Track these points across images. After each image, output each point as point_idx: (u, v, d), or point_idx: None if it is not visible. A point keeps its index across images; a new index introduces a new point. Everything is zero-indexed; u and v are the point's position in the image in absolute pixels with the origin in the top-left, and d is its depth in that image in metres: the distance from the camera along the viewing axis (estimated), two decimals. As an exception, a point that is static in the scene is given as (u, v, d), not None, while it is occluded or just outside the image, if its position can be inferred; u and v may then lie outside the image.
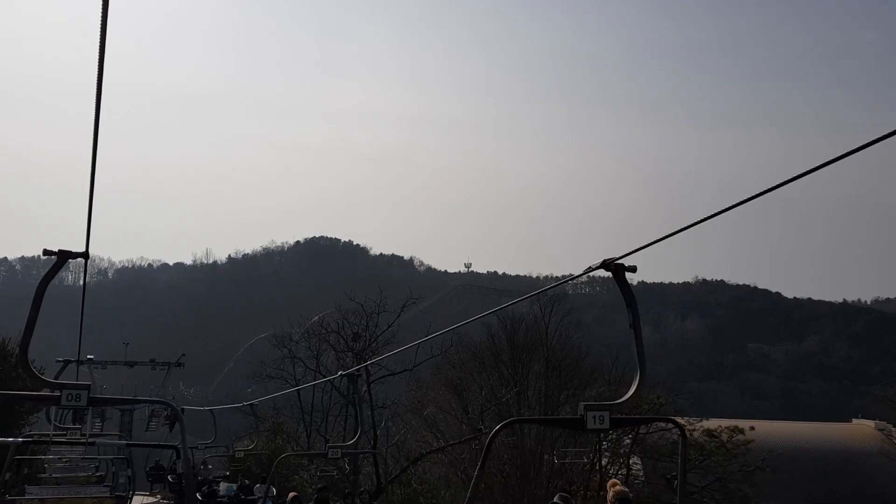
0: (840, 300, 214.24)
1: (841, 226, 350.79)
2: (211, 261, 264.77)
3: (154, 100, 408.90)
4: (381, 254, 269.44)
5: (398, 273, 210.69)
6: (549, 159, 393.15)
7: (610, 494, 9.30)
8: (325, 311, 47.26)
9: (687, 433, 35.41)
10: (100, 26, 5.15)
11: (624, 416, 8.40)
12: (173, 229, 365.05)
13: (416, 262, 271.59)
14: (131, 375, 34.23)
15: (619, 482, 9.77)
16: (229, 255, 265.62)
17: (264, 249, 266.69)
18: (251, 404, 30.17)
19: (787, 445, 40.72)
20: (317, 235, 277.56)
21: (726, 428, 35.75)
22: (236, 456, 32.04)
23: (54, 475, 22.31)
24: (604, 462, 38.12)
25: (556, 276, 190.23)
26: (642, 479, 36.90)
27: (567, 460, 33.85)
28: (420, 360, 38.49)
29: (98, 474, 23.32)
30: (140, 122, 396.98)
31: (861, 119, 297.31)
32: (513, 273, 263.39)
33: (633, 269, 6.89)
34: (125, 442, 24.51)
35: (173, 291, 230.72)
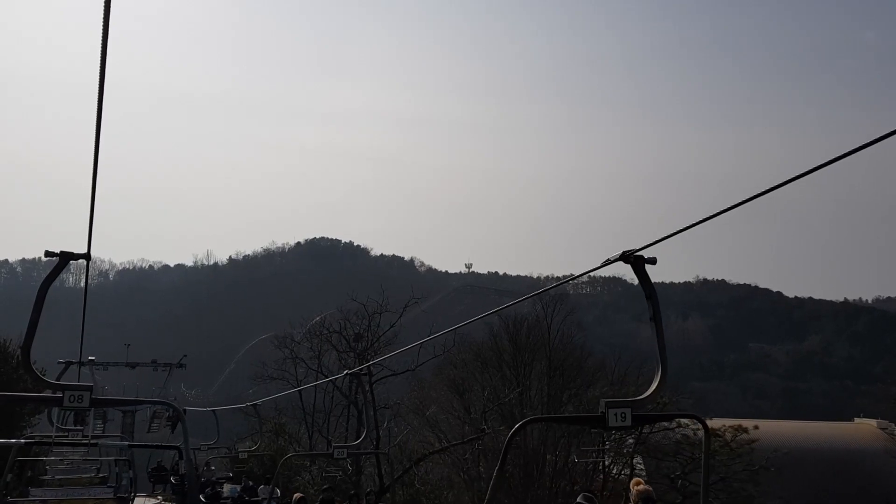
0: (841, 299, 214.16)
1: (841, 225, 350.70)
2: (212, 262, 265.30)
3: (155, 102, 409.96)
4: (381, 255, 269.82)
5: (399, 274, 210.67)
6: (549, 159, 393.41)
7: (633, 493, 9.25)
8: (326, 312, 47.33)
9: (692, 432, 35.42)
10: (101, 29, 5.17)
11: (646, 412, 8.25)
12: (174, 231, 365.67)
13: (416, 263, 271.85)
14: (133, 377, 34.23)
15: (642, 481, 9.66)
16: (230, 257, 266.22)
17: (265, 251, 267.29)
18: (254, 405, 30.15)
19: (790, 445, 40.60)
20: (317, 236, 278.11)
21: (730, 427, 35.66)
22: (240, 457, 32.01)
23: (57, 477, 22.31)
24: (607, 462, 38.11)
25: (557, 276, 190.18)
26: (645, 479, 36.83)
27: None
28: (422, 361, 38.51)
29: (101, 475, 23.32)
30: (141, 125, 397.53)
31: (861, 119, 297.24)
32: (513, 273, 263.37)
33: (653, 261, 6.75)
34: (128, 443, 24.53)
35: (174, 293, 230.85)
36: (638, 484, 9.45)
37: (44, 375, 14.16)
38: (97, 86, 5.91)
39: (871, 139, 4.60)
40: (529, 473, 35.07)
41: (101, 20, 5.08)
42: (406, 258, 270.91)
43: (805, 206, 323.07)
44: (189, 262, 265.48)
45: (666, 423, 34.00)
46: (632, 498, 9.26)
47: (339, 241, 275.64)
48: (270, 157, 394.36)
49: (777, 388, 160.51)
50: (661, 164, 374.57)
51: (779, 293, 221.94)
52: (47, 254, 7.58)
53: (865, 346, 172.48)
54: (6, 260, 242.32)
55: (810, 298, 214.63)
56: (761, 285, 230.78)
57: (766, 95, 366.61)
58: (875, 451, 48.65)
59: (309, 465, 38.58)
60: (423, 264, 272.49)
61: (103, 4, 4.95)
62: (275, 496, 23.21)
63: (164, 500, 31.33)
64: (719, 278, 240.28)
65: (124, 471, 22.60)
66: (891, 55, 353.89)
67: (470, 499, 36.45)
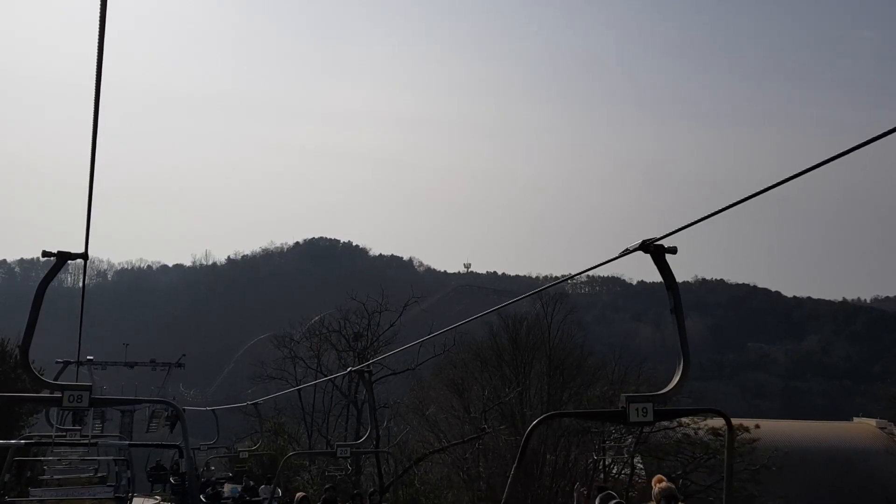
0: (840, 299, 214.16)
1: (840, 224, 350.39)
2: (210, 262, 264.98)
3: (155, 102, 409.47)
4: (380, 254, 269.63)
5: (398, 273, 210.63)
6: (548, 159, 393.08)
7: (655, 490, 9.17)
8: (325, 311, 47.33)
9: (693, 432, 35.36)
10: (98, 29, 5.16)
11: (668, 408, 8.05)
12: (172, 231, 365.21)
13: (415, 263, 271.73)
14: (131, 376, 34.17)
15: (664, 478, 9.53)
16: (229, 257, 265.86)
17: (263, 250, 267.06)
18: (254, 404, 30.12)
19: (790, 444, 40.69)
20: (316, 236, 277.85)
21: (730, 427, 35.67)
22: (240, 457, 31.97)
23: (55, 476, 22.28)
24: (607, 461, 38.14)
25: (556, 276, 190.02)
26: (645, 478, 36.88)
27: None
28: (422, 360, 38.51)
29: (100, 475, 23.29)
30: (140, 125, 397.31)
31: (860, 118, 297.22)
32: (512, 273, 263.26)
33: (674, 251, 6.43)
34: (127, 442, 24.50)
35: (173, 293, 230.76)
36: (660, 481, 9.33)
37: (42, 375, 14.17)
38: (94, 86, 5.90)
39: (870, 137, 4.60)
40: (529, 473, 35.08)
41: (98, 21, 5.06)
42: (405, 258, 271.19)
43: (804, 205, 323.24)
44: (188, 262, 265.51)
45: (666, 423, 34.05)
46: (654, 495, 9.16)
47: (338, 241, 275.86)
48: (270, 157, 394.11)
49: (776, 388, 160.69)
50: (660, 164, 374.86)
51: (777, 293, 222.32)
52: (44, 254, 7.55)
53: (864, 345, 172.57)
54: (4, 260, 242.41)
55: (809, 298, 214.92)
56: (760, 285, 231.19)
57: (764, 95, 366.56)
58: (874, 450, 48.75)
59: (308, 464, 38.56)
60: (421, 264, 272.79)
61: (100, 4, 4.94)
62: (276, 496, 23.17)
63: (162, 500, 31.29)
64: (718, 278, 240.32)
65: (123, 470, 22.56)
66: (889, 54, 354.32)
67: (470, 498, 36.46)
